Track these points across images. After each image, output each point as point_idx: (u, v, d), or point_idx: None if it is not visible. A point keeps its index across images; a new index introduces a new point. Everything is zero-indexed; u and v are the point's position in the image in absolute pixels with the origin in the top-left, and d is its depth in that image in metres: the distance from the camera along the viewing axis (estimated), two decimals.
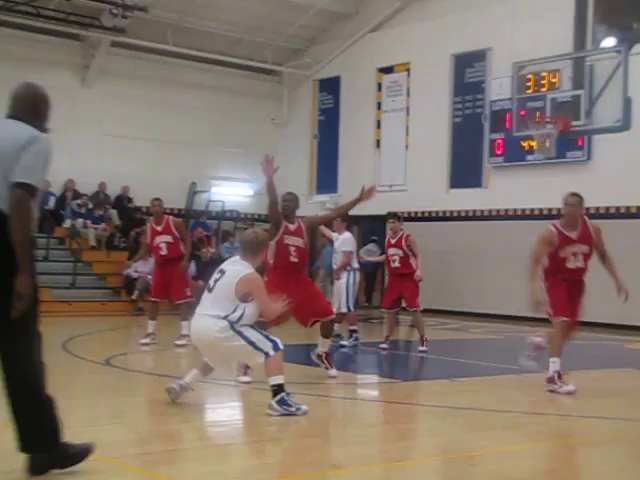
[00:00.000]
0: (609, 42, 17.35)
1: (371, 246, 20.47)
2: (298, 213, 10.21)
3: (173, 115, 22.46)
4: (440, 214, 20.62)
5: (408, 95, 21.98)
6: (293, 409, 6.99)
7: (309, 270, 12.56)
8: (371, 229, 22.60)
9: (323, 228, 13.66)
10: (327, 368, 9.39)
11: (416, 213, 21.19)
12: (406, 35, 21.68)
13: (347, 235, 13.22)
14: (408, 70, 21.99)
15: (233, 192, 23.57)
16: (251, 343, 6.97)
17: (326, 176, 23.89)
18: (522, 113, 14.93)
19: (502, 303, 18.96)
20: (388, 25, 22.43)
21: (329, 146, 23.89)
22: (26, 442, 4.76)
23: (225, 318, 6.95)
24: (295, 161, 24.30)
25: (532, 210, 19.08)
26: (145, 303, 18.66)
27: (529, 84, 15.25)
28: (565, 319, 8.76)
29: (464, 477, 5.58)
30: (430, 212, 20.82)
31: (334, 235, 13.50)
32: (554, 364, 8.66)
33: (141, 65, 22.11)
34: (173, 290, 12.42)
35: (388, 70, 22.53)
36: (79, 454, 4.93)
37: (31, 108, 4.96)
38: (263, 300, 7.13)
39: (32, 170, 4.64)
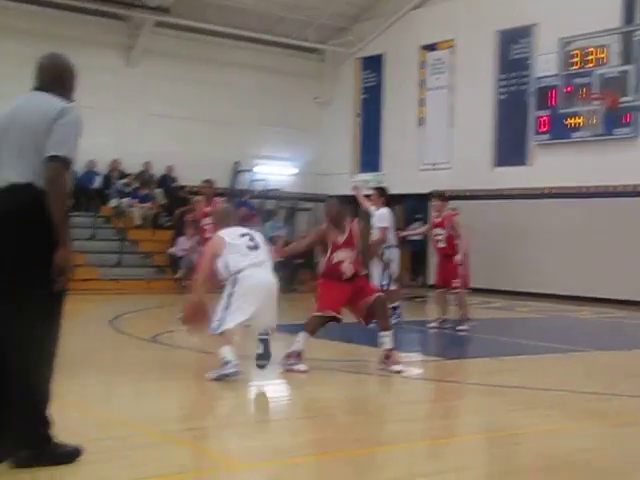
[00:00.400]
0: None
1: (416, 225, 20.38)
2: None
3: (216, 94, 22.53)
4: (485, 192, 20.49)
5: (452, 72, 21.83)
6: None
7: None
8: (413, 208, 22.56)
9: (361, 199, 13.51)
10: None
11: (460, 192, 21.09)
12: (450, 12, 21.51)
13: (383, 211, 12.68)
14: (452, 47, 21.84)
15: (276, 171, 23.64)
16: None
17: (369, 155, 23.85)
18: (568, 89, 14.82)
19: (547, 282, 18.85)
20: (432, 2, 22.26)
21: (372, 125, 23.83)
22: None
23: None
24: (338, 140, 24.33)
25: (579, 188, 18.88)
26: (191, 281, 18.88)
27: (576, 60, 15.14)
28: None
29: (509, 455, 5.61)
30: (474, 191, 20.70)
31: (372, 209, 13.03)
32: None
33: (184, 44, 22.19)
34: None
35: (432, 47, 22.39)
36: (67, 455, 4.71)
37: (57, 79, 4.87)
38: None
39: (65, 142, 4.59)
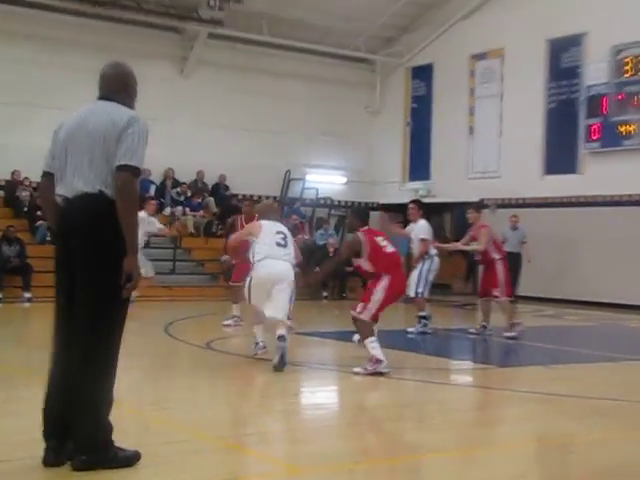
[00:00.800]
0: None
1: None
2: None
3: (268, 104, 22.64)
4: (535, 201, 20.31)
5: (502, 81, 21.69)
6: None
7: None
8: (463, 216, 22.41)
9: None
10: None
11: (510, 200, 20.94)
12: (499, 21, 21.38)
13: (422, 223, 12.66)
14: (502, 56, 21.70)
15: (327, 179, 23.67)
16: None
17: (419, 164, 23.78)
18: (620, 97, 14.66)
19: (598, 290, 18.62)
20: (480, 11, 22.15)
21: (422, 133, 23.77)
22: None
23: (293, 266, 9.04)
24: (388, 149, 24.30)
25: (630, 196, 18.65)
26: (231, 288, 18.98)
27: (627, 68, 15.01)
28: None
29: (564, 463, 5.54)
30: (524, 199, 20.53)
31: (410, 226, 12.91)
32: None
33: (237, 55, 22.35)
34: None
35: (481, 56, 22.27)
36: (126, 459, 4.73)
37: (121, 87, 4.90)
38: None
39: (135, 151, 4.61)
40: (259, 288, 8.78)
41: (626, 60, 15.02)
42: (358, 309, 8.80)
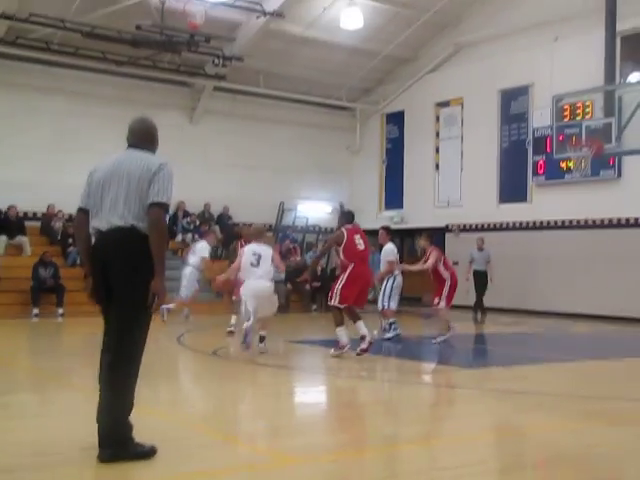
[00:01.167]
0: (635, 77, 17.02)
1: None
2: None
3: (264, 146, 22.65)
4: (491, 226, 20.32)
5: (462, 125, 21.75)
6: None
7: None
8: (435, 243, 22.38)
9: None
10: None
11: (471, 225, 20.96)
12: (459, 74, 21.50)
13: (389, 246, 12.59)
14: (462, 104, 21.77)
15: (315, 209, 23.63)
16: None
17: (393, 195, 23.78)
18: (560, 138, 14.67)
19: (546, 301, 18.60)
20: (444, 66, 22.27)
21: (396, 169, 23.78)
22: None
23: (271, 280, 10.07)
24: (367, 182, 24.31)
25: (571, 221, 18.68)
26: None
27: (566, 113, 15.00)
28: None
29: (519, 451, 5.49)
30: (483, 224, 20.54)
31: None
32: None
33: (237, 105, 22.37)
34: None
35: (445, 104, 22.34)
36: (144, 453, 4.71)
37: (147, 138, 4.98)
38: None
39: (165, 191, 4.68)
40: (247, 302, 9.90)
41: (565, 107, 15.02)
42: (329, 297, 9.99)
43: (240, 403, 7.22)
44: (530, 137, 19.71)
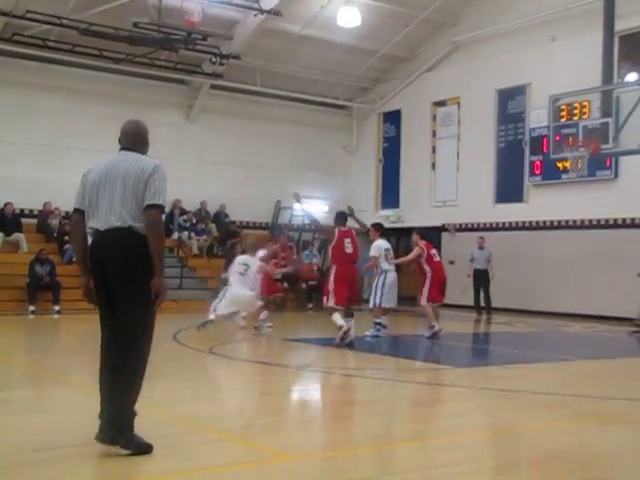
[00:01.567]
0: (632, 77, 17.09)
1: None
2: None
3: (261, 145, 22.70)
4: (487, 225, 20.39)
5: (459, 124, 21.82)
6: None
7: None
8: (427, 238, 22.40)
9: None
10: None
11: (467, 224, 21.04)
12: (457, 74, 21.56)
13: (376, 242, 12.84)
14: (459, 103, 21.84)
15: (312, 208, 23.61)
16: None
17: (389, 194, 23.85)
18: (557, 138, 14.73)
19: (543, 301, 18.68)
20: (441, 66, 22.33)
21: (392, 169, 23.84)
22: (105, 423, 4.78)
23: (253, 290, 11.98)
24: (363, 182, 24.36)
25: (567, 221, 18.76)
26: None
27: (563, 113, 15.06)
28: None
29: (514, 449, 5.55)
30: (479, 223, 20.61)
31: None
32: None
33: (235, 104, 22.40)
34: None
35: (441, 103, 22.40)
36: (140, 446, 4.80)
37: (140, 140, 5.09)
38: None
39: (160, 193, 4.81)
40: (226, 304, 11.83)
41: (562, 107, 15.09)
42: (325, 300, 10.88)
43: (236, 400, 7.27)
44: (527, 137, 19.78)
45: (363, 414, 6.68)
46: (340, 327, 10.51)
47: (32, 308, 15.83)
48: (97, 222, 4.86)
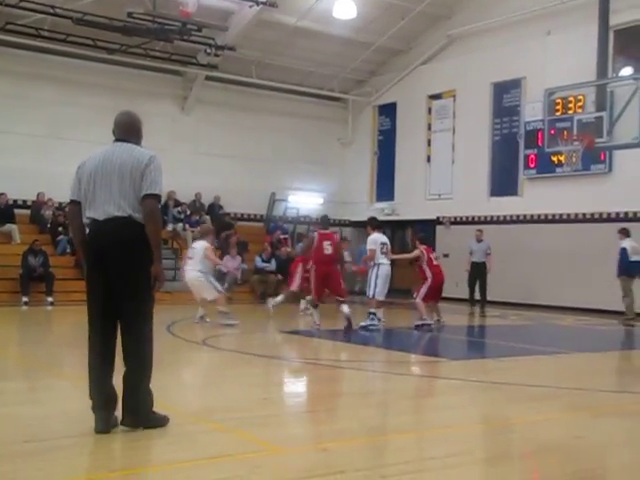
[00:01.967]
0: (627, 71, 17.11)
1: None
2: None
3: (256, 136, 22.67)
4: (482, 218, 20.42)
5: (454, 117, 21.83)
6: None
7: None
8: (422, 230, 22.42)
9: None
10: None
11: (461, 217, 21.06)
12: (452, 67, 21.55)
13: (372, 236, 13.10)
14: (454, 96, 21.85)
15: (306, 200, 23.68)
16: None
17: (384, 187, 23.86)
18: (552, 132, 14.73)
19: (537, 294, 18.73)
20: (437, 58, 22.32)
21: (387, 161, 23.86)
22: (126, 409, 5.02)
23: (199, 271, 12.31)
24: (358, 174, 24.37)
25: (561, 215, 18.80)
26: (234, 293, 18.88)
27: (558, 107, 15.05)
28: None
29: (506, 441, 5.57)
30: (474, 217, 20.65)
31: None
32: None
33: (230, 95, 22.36)
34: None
35: (437, 96, 22.41)
36: (161, 420, 5.15)
37: (133, 131, 5.17)
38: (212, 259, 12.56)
39: (157, 183, 4.95)
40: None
41: (557, 101, 15.08)
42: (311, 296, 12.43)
43: (230, 392, 7.27)
44: (522, 130, 19.80)
45: (357, 406, 6.68)
46: (317, 323, 12.21)
47: (25, 299, 15.81)
48: (95, 212, 4.95)
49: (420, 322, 12.79)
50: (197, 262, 12.30)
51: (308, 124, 23.64)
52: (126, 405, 4.99)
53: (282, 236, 21.36)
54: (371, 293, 12.89)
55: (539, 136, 18.00)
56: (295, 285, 15.14)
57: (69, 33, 18.41)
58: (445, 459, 4.82)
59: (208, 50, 19.81)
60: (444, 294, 13.73)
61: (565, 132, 14.38)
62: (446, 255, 19.46)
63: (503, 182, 20.39)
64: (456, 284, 17.16)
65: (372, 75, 24.24)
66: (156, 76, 21.19)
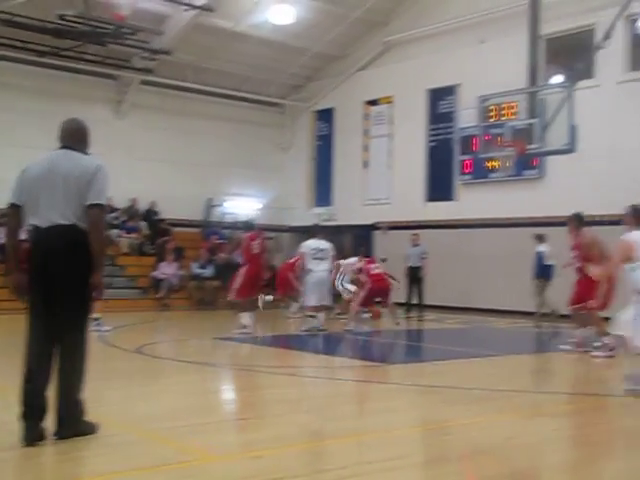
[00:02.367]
0: (557, 79, 17.55)
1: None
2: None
3: (193, 141, 22.47)
4: (418, 223, 20.61)
5: (391, 123, 22.02)
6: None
7: None
8: (360, 235, 22.55)
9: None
10: None
11: (398, 222, 21.23)
12: (389, 73, 21.75)
13: (305, 242, 13.61)
14: (391, 102, 22.04)
15: (244, 206, 23.55)
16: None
17: (323, 192, 23.92)
18: (486, 138, 14.96)
19: (472, 297, 18.99)
20: (374, 65, 22.49)
21: (325, 167, 23.93)
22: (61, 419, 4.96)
23: None
24: (296, 179, 24.38)
25: (495, 220, 19.12)
26: (170, 300, 18.68)
27: (492, 114, 15.31)
28: None
29: (442, 444, 5.61)
30: (410, 221, 20.83)
31: None
32: None
33: (166, 100, 22.12)
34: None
35: (374, 102, 22.57)
36: (92, 428, 5.12)
37: (80, 139, 5.18)
38: None
39: (102, 192, 4.95)
40: None
41: (491, 107, 15.34)
42: (230, 294, 12.30)
43: (164, 400, 7.15)
44: (457, 137, 20.08)
45: (293, 412, 6.65)
46: (244, 325, 12.14)
47: None
48: (38, 219, 4.93)
49: (349, 327, 13.18)
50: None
51: (246, 129, 23.55)
52: (58, 415, 4.92)
53: (219, 241, 21.19)
54: (302, 299, 13.44)
55: (474, 142, 18.28)
56: (292, 289, 15.26)
57: None
58: (383, 463, 4.84)
59: (143, 54, 19.56)
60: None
61: (499, 138, 14.61)
62: (384, 260, 19.56)
63: (439, 187, 20.64)
64: (397, 288, 17.26)
65: (310, 80, 24.29)
66: (89, 80, 20.80)
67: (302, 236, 23.86)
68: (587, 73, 16.32)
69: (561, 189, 17.60)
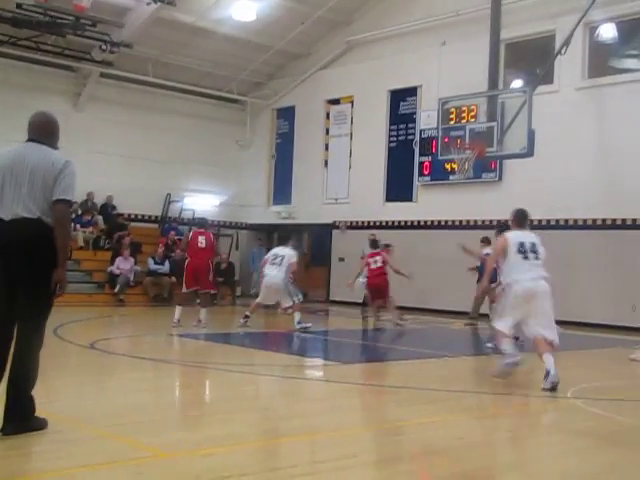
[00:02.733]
0: (517, 83, 17.78)
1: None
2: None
3: (152, 136, 22.27)
4: (377, 223, 20.73)
5: (352, 123, 22.09)
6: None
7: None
8: (319, 234, 22.62)
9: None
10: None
11: (358, 222, 21.31)
12: (350, 73, 21.81)
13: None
14: (352, 102, 22.10)
15: (202, 202, 23.42)
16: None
17: (282, 190, 23.89)
18: (446, 140, 15.08)
19: (428, 297, 19.13)
20: (335, 64, 22.54)
21: (285, 165, 23.91)
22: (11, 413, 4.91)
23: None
24: (256, 177, 24.31)
25: (453, 221, 19.30)
26: (126, 296, 18.50)
27: (452, 116, 15.42)
28: None
29: (394, 443, 5.65)
30: (369, 221, 20.93)
31: None
32: None
33: (126, 93, 21.88)
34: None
35: (335, 102, 22.62)
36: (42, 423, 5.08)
37: (50, 133, 5.16)
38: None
39: (70, 188, 4.96)
40: None
41: (451, 110, 15.47)
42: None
43: (116, 397, 7.09)
44: (417, 138, 20.23)
45: (245, 410, 6.64)
46: (177, 320, 12.73)
47: None
48: (2, 212, 4.89)
49: (303, 325, 13.32)
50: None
51: (206, 125, 23.41)
52: (10, 412, 4.86)
53: (176, 237, 21.04)
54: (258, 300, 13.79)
55: (433, 144, 18.44)
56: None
57: None
58: (335, 462, 4.85)
59: (103, 46, 19.30)
60: (339, 298, 13.95)
61: (458, 140, 14.75)
62: (342, 259, 19.68)
63: (398, 188, 20.77)
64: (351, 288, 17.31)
65: (271, 78, 24.25)
66: (48, 71, 20.47)
67: (259, 234, 23.99)
68: (546, 78, 16.54)
69: (518, 192, 17.79)
